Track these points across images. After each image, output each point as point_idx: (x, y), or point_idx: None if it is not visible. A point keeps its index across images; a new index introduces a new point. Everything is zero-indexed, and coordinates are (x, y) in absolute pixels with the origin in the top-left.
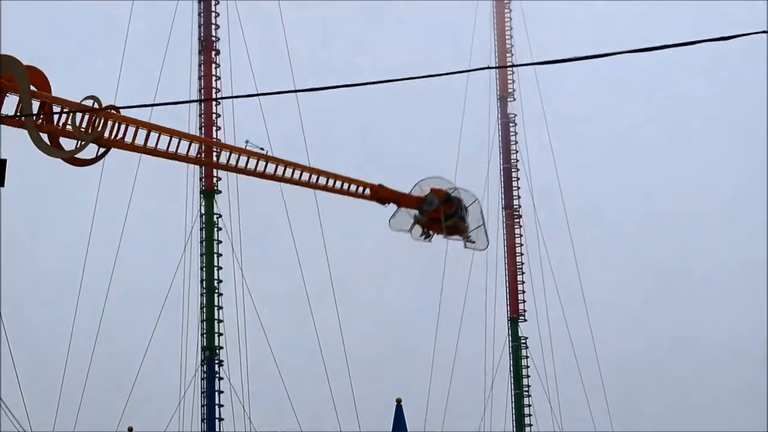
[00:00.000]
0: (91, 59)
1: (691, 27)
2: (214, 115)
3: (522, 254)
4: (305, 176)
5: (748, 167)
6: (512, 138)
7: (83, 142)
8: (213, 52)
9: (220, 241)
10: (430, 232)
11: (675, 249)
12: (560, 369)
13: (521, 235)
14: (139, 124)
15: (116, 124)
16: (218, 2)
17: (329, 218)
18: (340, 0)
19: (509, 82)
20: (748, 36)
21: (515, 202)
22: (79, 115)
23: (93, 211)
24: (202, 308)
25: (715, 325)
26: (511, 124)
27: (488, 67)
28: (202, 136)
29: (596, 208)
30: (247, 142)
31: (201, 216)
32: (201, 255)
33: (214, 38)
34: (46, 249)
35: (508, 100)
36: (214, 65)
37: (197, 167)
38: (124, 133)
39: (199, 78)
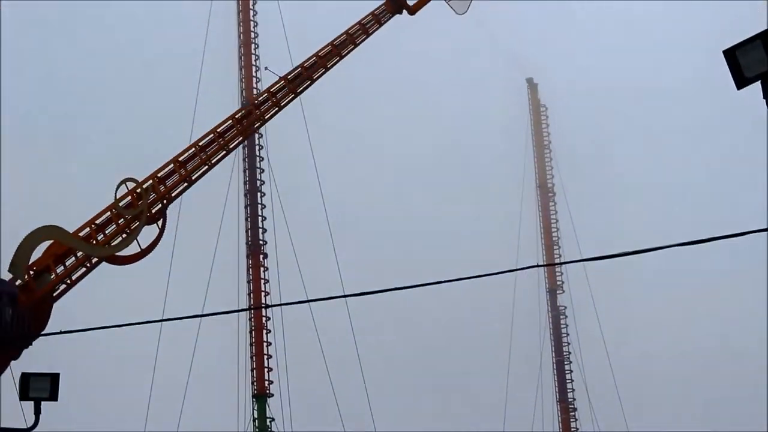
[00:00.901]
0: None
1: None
2: (264, 318)
3: None
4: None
5: None
6: (563, 330)
7: (141, 221)
8: (261, 256)
9: None
10: None
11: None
12: None
13: (577, 429)
14: (172, 163)
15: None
16: (264, 206)
17: (382, 415)
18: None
19: (557, 275)
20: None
21: (569, 395)
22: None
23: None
24: None
25: None
26: (561, 317)
27: (537, 266)
28: (253, 338)
29: (651, 394)
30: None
31: (254, 420)
32: None
33: (261, 242)
34: None
35: (557, 293)
36: (262, 269)
37: (249, 372)
38: (166, 186)
39: (248, 282)
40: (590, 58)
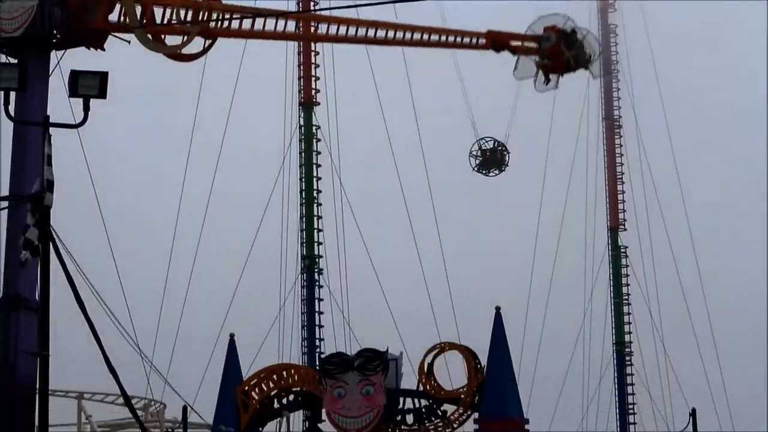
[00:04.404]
0: None
1: None
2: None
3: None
4: (417, 36)
5: None
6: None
7: (189, 36)
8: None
9: (319, 152)
10: (551, 77)
11: None
12: (661, 278)
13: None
14: (240, 9)
15: (221, 15)
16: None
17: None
18: None
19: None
20: None
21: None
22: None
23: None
24: (301, 218)
25: None
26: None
27: None
28: None
29: None
30: None
31: (300, 128)
32: (300, 166)
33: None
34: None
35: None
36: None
37: (296, 79)
38: (229, 23)
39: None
40: None
